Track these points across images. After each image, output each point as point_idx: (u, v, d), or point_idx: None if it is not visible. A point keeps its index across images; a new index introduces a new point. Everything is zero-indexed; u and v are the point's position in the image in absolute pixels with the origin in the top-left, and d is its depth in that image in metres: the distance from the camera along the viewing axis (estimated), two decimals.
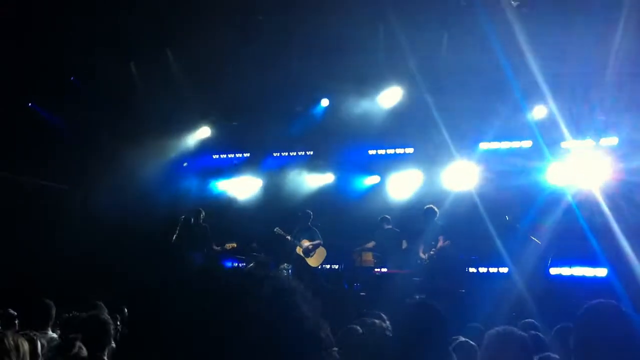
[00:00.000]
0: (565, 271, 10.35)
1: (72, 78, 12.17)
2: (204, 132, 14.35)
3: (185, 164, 14.64)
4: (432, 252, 10.16)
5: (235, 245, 11.49)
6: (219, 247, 11.48)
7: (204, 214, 11.76)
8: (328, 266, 12.21)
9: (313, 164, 13.74)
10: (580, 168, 10.52)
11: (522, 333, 3.41)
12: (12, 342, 2.84)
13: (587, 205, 9.89)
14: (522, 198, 10.83)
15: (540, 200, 10.57)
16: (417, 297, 8.82)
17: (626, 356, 2.59)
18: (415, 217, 11.14)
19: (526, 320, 5.71)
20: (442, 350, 2.86)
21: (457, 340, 4.02)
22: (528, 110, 11.25)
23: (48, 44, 10.44)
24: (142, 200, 13.03)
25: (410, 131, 12.69)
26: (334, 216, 12.36)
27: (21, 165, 11.57)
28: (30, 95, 11.93)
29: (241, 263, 12.48)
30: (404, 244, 11.12)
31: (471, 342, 4.05)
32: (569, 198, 10.19)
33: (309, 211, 11.43)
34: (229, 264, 13.17)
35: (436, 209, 10.42)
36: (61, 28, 10.21)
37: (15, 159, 11.33)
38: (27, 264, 10.12)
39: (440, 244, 10.12)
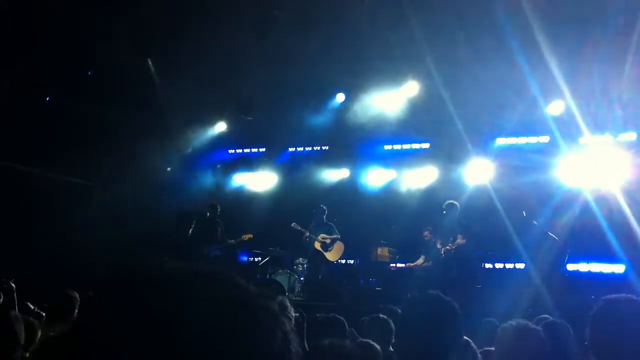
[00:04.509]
0: (582, 267, 10.27)
1: (89, 72, 12.25)
2: (220, 127, 14.42)
3: (189, 150, 14.65)
4: (449, 247, 10.10)
5: (251, 235, 11.47)
6: (233, 240, 11.48)
7: (220, 209, 11.77)
8: (344, 261, 12.21)
9: (329, 159, 13.74)
10: (598, 164, 10.41)
11: (536, 327, 3.39)
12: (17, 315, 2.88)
13: (605, 201, 9.78)
14: (539, 194, 10.73)
15: (557, 196, 10.48)
16: (432, 291, 8.76)
17: None
18: (431, 212, 11.09)
19: (542, 316, 5.67)
20: (455, 346, 2.85)
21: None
22: (545, 105, 11.13)
23: (67, 36, 10.53)
24: (157, 196, 13.12)
25: (426, 126, 12.64)
26: (349, 211, 12.35)
27: (39, 159, 11.64)
28: (47, 88, 12.01)
29: (256, 257, 12.53)
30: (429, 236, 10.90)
31: (469, 340, 3.97)
32: (587, 194, 10.09)
33: (324, 206, 11.43)
34: (244, 258, 13.24)
35: (458, 205, 10.38)
36: (82, 21, 10.29)
37: (33, 152, 11.41)
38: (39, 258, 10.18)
39: (459, 241, 10.05)
